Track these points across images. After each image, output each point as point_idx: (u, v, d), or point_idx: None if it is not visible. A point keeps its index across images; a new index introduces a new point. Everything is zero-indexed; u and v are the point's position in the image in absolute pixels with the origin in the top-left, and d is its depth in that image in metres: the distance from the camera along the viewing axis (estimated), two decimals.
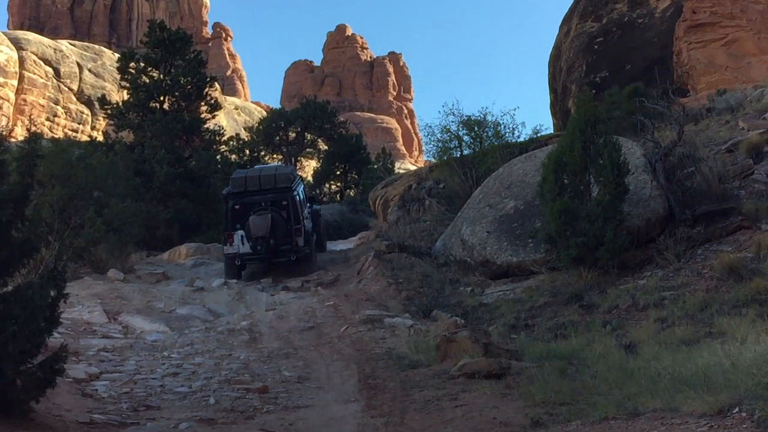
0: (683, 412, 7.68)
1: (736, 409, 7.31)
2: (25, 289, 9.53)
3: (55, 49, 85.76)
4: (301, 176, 36.47)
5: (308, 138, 67.32)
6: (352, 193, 64.80)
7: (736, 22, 39.38)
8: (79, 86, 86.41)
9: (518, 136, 32.20)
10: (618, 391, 9.48)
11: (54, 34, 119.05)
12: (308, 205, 30.42)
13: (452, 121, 32.51)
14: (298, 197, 28.70)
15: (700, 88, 39.13)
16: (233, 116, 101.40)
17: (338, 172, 67.57)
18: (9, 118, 75.36)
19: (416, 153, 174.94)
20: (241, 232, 27.28)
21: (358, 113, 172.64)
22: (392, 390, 11.61)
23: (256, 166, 36.98)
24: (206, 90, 46.77)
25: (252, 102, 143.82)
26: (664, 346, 11.90)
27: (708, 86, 38.17)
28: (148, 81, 44.87)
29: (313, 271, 27.91)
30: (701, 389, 8.08)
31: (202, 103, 46.87)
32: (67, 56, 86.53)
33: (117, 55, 62.01)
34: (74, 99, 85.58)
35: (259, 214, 27.27)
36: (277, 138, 65.45)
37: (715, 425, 7.09)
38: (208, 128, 47.52)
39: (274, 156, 62.76)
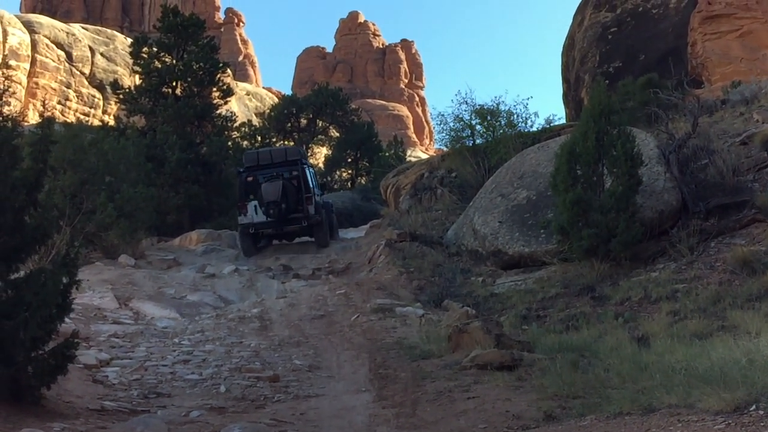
0: (699, 409, 7.61)
1: (753, 407, 7.24)
2: (37, 276, 9.51)
3: (67, 33, 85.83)
4: (311, 163, 37.51)
5: (320, 125, 67.23)
6: (363, 181, 64.72)
7: (752, 14, 39.16)
8: (91, 70, 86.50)
9: (531, 126, 32.19)
10: (632, 385, 9.42)
11: (66, 18, 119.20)
12: (321, 192, 31.66)
13: (465, 110, 32.49)
14: (308, 170, 30.25)
15: (715, 79, 38.93)
16: (245, 102, 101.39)
17: (349, 160, 67.50)
18: (21, 102, 75.41)
19: (427, 141, 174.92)
20: (254, 202, 28.68)
21: (370, 100, 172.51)
22: (403, 380, 11.57)
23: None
24: (218, 76, 46.85)
25: (264, 88, 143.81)
26: (677, 339, 11.84)
27: (722, 78, 37.96)
28: (160, 66, 44.96)
29: (326, 242, 29.51)
30: (717, 385, 8.01)
31: (214, 89, 46.98)
32: (80, 40, 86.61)
33: (129, 40, 62.21)
34: (86, 83, 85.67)
35: (271, 181, 28.61)
36: (289, 125, 65.39)
37: (732, 423, 7.02)
38: (219, 114, 47.63)
39: (286, 143, 62.69)
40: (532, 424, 8.89)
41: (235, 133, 50.86)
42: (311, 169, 32.73)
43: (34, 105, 75.55)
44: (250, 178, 29.61)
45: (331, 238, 31.45)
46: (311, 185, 29.89)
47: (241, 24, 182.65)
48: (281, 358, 13.48)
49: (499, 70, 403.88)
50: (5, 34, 77.18)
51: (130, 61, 50.55)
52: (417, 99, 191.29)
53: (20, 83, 77.78)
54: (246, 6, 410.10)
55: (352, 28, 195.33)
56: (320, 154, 71.82)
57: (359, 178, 66.70)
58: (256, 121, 65.23)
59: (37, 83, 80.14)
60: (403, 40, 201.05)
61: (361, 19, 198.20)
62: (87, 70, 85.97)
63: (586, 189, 17.80)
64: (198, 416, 10.01)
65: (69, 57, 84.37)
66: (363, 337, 14.95)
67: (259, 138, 57.01)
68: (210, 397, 11.00)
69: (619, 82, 36.38)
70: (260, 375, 12.14)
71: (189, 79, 45.25)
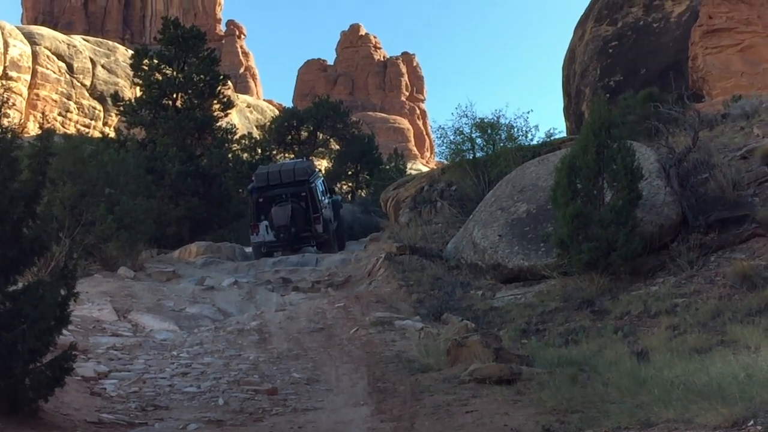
0: (697, 424, 7.59)
1: (751, 422, 7.22)
2: (36, 288, 9.49)
3: (68, 45, 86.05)
4: (319, 170, 38.98)
5: (320, 137, 67.31)
6: (363, 194, 64.78)
7: (753, 28, 39.26)
8: (91, 82, 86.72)
9: (531, 140, 32.14)
10: (630, 399, 9.41)
11: (68, 30, 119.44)
12: (328, 195, 32.96)
13: (465, 123, 32.46)
14: (316, 188, 31.76)
15: (716, 93, 39.01)
16: (245, 114, 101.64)
17: (350, 173, 67.60)
18: (22, 113, 75.49)
19: (428, 154, 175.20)
20: (265, 222, 30.49)
21: (371, 113, 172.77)
22: (402, 394, 11.54)
23: (277, 163, 40.07)
24: (219, 88, 46.92)
25: (264, 100, 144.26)
26: (676, 353, 11.81)
27: (723, 92, 38.02)
28: (161, 78, 45.06)
29: (333, 251, 30.83)
30: (715, 400, 8.00)
31: (215, 101, 47.07)
32: (81, 51, 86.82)
33: (130, 51, 62.40)
34: (87, 94, 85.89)
35: (281, 205, 30.36)
36: (289, 137, 65.39)
37: None
38: (220, 126, 47.74)
39: (286, 155, 62.65)
40: None
41: (236, 145, 51.03)
42: (319, 180, 34.20)
43: (34, 116, 75.69)
44: (261, 200, 31.31)
45: (339, 245, 33.56)
46: (319, 204, 31.43)
47: (243, 36, 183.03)
48: (280, 371, 13.45)
49: (499, 84, 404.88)
50: (6, 45, 77.32)
51: (131, 73, 50.65)
52: (418, 112, 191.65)
53: (21, 94, 77.92)
54: (247, 18, 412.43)
55: (353, 41, 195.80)
56: (321, 166, 71.99)
57: (359, 190, 66.80)
58: (256, 133, 65.41)
59: (37, 95, 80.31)
60: (405, 53, 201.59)
61: (363, 31, 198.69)
62: (88, 82, 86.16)
63: (586, 203, 17.78)
64: (196, 429, 10.00)
65: (70, 68, 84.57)
66: (362, 351, 14.92)
67: (260, 150, 57.12)
68: (208, 410, 10.97)
69: (619, 96, 36.45)
70: (258, 388, 12.11)
71: (189, 91, 45.34)
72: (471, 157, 31.61)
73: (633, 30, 46.37)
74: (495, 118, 32.39)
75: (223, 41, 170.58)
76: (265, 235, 30.76)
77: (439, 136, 34.02)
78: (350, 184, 68.14)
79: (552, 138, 33.49)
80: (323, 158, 69.47)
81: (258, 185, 31.82)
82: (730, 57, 39.69)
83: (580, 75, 48.29)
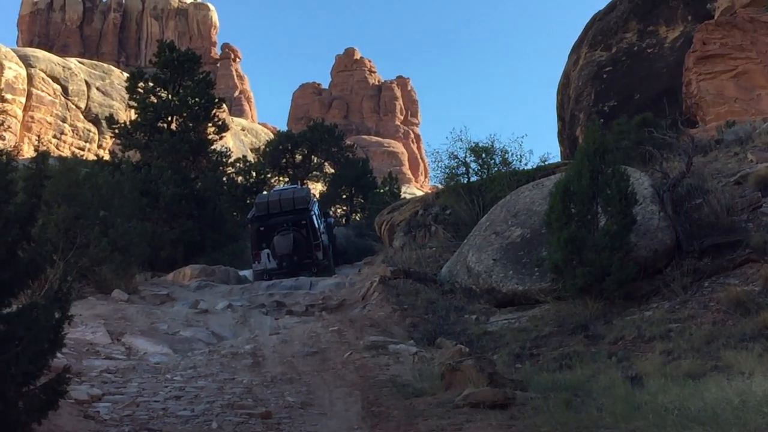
0: None
1: None
2: (30, 310, 9.46)
3: (63, 67, 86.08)
4: (314, 194, 39.68)
5: (315, 161, 67.35)
6: (357, 218, 64.75)
7: (747, 54, 39.31)
8: (86, 104, 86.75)
9: (526, 164, 32.17)
10: (624, 425, 9.38)
11: (63, 52, 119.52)
12: (323, 219, 33.56)
13: (460, 148, 32.50)
14: (314, 216, 32.82)
15: (709, 119, 39.03)
16: (240, 137, 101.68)
17: (344, 196, 67.54)
18: (16, 135, 75.46)
19: (422, 177, 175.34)
20: (267, 251, 31.47)
21: (365, 136, 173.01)
22: (396, 418, 11.49)
23: (274, 190, 40.45)
24: (214, 111, 46.95)
25: (259, 123, 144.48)
26: (670, 379, 11.77)
27: (717, 118, 38.06)
28: (156, 101, 45.09)
29: (331, 274, 31.71)
30: (710, 426, 7.98)
31: (210, 125, 47.08)
32: (76, 74, 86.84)
33: (125, 74, 62.41)
34: (81, 117, 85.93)
35: (283, 234, 31.41)
36: (284, 160, 65.44)
37: None
38: (214, 149, 47.78)
39: (281, 179, 62.61)
40: None
41: (230, 168, 51.04)
42: (316, 205, 35.36)
43: (29, 139, 75.70)
44: (262, 228, 32.29)
45: (335, 264, 34.83)
46: (318, 231, 32.54)
47: (238, 59, 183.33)
48: (274, 394, 13.39)
49: (494, 108, 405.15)
50: (1, 67, 77.36)
51: (126, 96, 50.70)
52: (412, 136, 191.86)
53: (16, 117, 77.93)
54: (242, 41, 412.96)
55: (348, 65, 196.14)
56: (315, 190, 71.96)
57: (354, 214, 66.76)
58: (251, 156, 65.54)
59: (32, 117, 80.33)
60: (399, 77, 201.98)
61: (357, 55, 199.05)
62: (83, 104, 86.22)
63: (581, 227, 17.77)
64: None
65: (65, 91, 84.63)
66: (356, 375, 14.87)
67: (254, 174, 57.08)
68: None
69: (613, 121, 36.45)
70: (252, 412, 12.05)
71: (184, 114, 45.37)
72: (465, 182, 31.66)
73: (627, 55, 46.50)
74: (489, 143, 32.48)
75: (219, 64, 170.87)
76: (267, 263, 31.55)
77: (433, 160, 34.07)
78: (344, 208, 68.10)
79: (546, 163, 33.62)
80: (318, 182, 69.44)
81: (258, 214, 32.67)
82: (724, 83, 39.73)
83: (574, 100, 48.37)
